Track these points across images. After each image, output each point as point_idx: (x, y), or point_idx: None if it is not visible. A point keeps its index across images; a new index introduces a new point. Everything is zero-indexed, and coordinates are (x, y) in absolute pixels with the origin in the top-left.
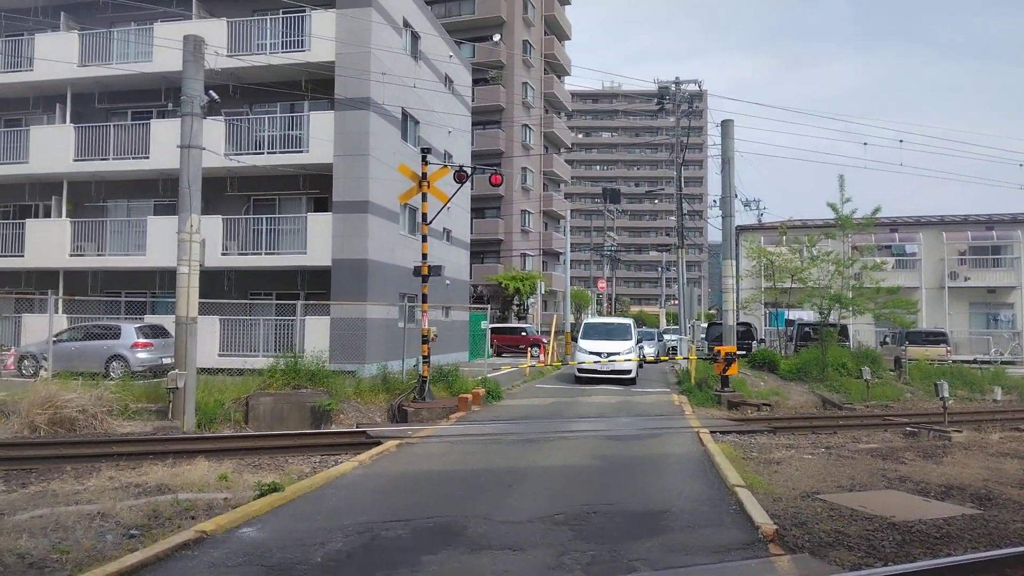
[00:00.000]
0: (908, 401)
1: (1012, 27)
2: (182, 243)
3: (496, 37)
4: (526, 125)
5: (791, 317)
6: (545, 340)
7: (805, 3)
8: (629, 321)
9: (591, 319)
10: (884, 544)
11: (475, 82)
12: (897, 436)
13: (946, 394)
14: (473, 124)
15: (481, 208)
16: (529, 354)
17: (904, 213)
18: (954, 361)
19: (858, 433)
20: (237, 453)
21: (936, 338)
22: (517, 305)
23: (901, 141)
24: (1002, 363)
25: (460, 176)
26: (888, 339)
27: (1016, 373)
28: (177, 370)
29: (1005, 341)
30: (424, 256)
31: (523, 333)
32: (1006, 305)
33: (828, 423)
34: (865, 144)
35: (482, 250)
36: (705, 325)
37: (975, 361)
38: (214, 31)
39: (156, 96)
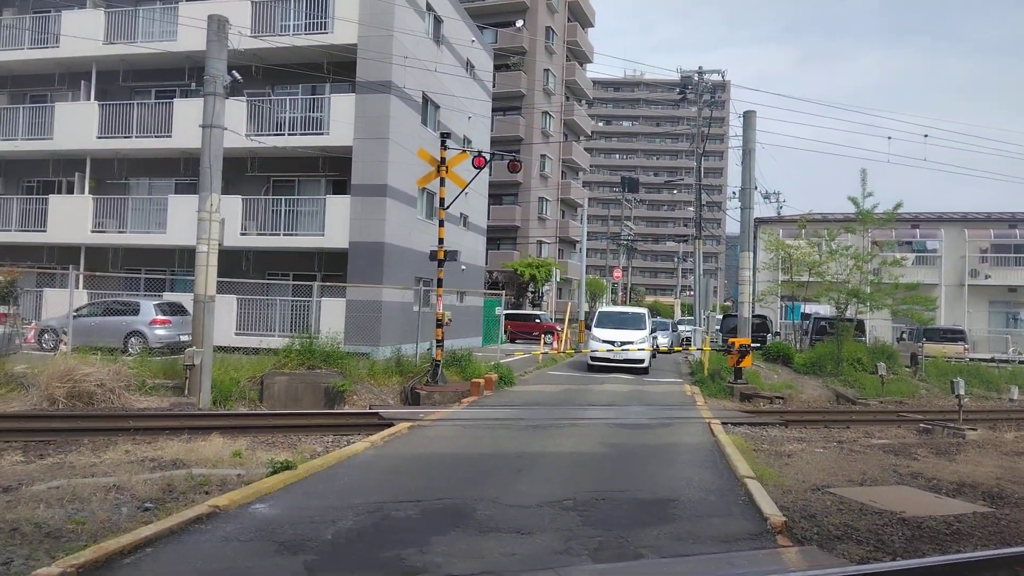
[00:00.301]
0: (923, 398)
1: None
2: (202, 222)
3: (519, 23)
4: (546, 112)
5: (807, 311)
6: (559, 328)
7: None
8: (643, 311)
9: (606, 308)
10: (893, 539)
11: (496, 68)
12: (911, 432)
13: (962, 392)
14: (493, 110)
15: (499, 194)
16: (542, 341)
17: (926, 209)
18: (972, 359)
19: (871, 428)
20: (251, 431)
21: (954, 335)
22: (532, 292)
23: (926, 136)
24: (1020, 362)
25: (478, 162)
26: (905, 335)
27: None
28: (194, 347)
29: None
30: (440, 241)
31: (537, 320)
32: None
33: (841, 418)
34: (889, 138)
35: (498, 236)
36: (720, 317)
37: (993, 360)
38: (238, 11)
39: (180, 75)
